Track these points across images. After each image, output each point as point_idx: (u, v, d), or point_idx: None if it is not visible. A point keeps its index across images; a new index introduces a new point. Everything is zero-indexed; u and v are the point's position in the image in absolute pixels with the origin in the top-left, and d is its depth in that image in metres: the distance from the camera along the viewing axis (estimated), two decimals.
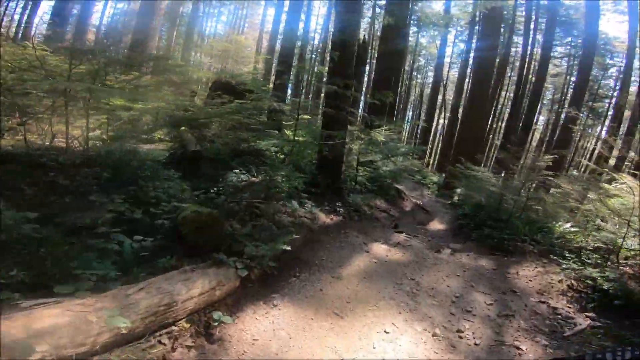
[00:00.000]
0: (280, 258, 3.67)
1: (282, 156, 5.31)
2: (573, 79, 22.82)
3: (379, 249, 5.05)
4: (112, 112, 5.17)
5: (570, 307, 3.87)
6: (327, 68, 7.08)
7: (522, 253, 5.36)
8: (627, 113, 19.18)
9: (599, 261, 4.70)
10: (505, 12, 16.13)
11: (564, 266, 4.66)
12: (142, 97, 5.84)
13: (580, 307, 3.86)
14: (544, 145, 23.37)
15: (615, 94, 23.43)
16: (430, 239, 6.75)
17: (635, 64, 17.83)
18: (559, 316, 3.67)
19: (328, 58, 7.71)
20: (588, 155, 24.20)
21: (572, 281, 4.26)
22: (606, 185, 6.58)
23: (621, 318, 3.57)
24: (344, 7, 6.44)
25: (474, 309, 3.66)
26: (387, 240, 5.56)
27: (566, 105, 18.38)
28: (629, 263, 4.63)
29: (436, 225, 8.48)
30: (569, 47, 23.37)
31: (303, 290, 3.55)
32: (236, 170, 5.17)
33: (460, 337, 3.15)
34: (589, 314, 3.70)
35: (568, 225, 7.97)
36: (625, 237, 5.20)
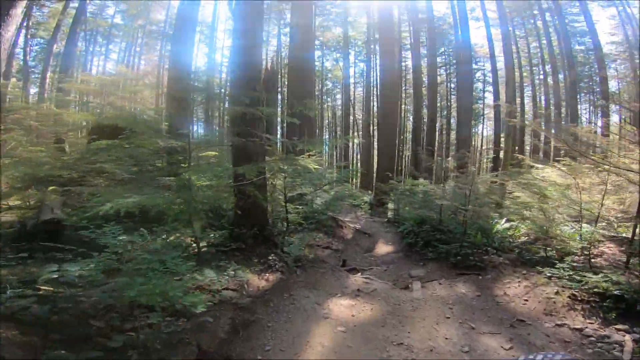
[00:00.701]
0: None
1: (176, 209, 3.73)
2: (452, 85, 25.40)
3: (340, 307, 3.79)
4: None
5: (592, 323, 3.25)
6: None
7: (493, 267, 4.66)
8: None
9: (574, 263, 4.17)
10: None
11: (548, 274, 4.02)
12: None
13: (602, 320, 3.26)
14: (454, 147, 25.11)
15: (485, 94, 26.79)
16: (387, 268, 5.76)
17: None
18: (592, 338, 2.99)
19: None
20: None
21: (572, 291, 3.60)
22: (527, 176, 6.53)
23: None
24: (241, 24, 5.32)
25: None
26: (344, 290, 4.33)
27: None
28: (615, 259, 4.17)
29: (383, 248, 7.61)
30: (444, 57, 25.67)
31: None
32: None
33: None
34: (618, 326, 3.13)
35: (504, 222, 7.87)
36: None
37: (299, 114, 5.21)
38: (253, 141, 4.65)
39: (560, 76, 19.63)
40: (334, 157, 30.07)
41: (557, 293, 3.67)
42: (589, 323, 3.25)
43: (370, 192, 17.74)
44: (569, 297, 3.58)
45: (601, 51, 16.88)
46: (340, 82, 30.11)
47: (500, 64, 16.62)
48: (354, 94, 32.54)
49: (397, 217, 10.82)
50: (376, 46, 22.06)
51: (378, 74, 19.92)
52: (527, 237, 6.56)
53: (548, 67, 20.48)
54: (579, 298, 3.53)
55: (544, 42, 19.33)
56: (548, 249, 5.27)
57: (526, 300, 3.73)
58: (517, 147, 17.77)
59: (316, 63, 24.62)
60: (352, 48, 27.16)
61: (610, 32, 20.10)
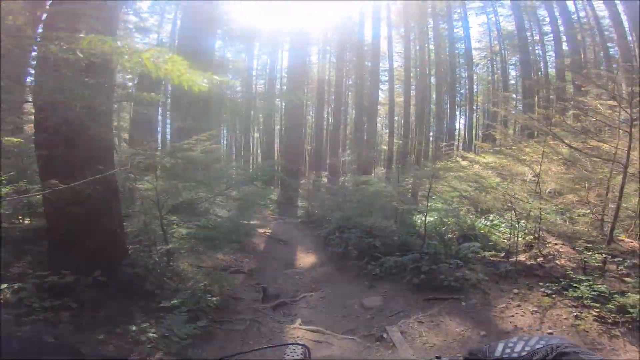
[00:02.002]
0: None
1: None
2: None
3: None
4: None
5: None
6: None
7: (473, 286, 3.55)
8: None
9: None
10: None
11: (545, 291, 3.10)
12: None
13: None
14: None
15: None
16: (323, 293, 4.22)
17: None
18: None
19: None
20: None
21: (591, 311, 2.69)
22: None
23: None
24: None
25: None
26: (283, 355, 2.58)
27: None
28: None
29: (305, 259, 6.08)
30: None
31: None
32: None
33: None
34: None
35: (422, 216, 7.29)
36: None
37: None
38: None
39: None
40: (233, 151, 27.37)
41: (577, 317, 2.77)
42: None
43: (273, 187, 16.10)
44: (595, 320, 2.69)
45: (471, 53, 18.96)
46: (243, 74, 27.40)
47: (397, 63, 17.05)
48: (256, 87, 30.24)
49: (311, 217, 9.51)
50: (283, 39, 20.48)
51: (285, 67, 18.50)
52: (453, 234, 5.97)
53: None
54: (609, 320, 2.67)
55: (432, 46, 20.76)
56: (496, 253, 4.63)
57: (550, 332, 2.69)
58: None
59: (217, 53, 21.90)
60: (257, 40, 24.85)
61: (478, 38, 22.82)
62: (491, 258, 4.48)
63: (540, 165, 4.81)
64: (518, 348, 0.51)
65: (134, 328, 2.35)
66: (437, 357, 0.62)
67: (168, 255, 3.38)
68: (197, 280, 3.44)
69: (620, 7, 10.23)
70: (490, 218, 6.69)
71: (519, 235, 4.86)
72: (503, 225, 6.39)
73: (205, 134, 3.48)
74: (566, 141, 4.39)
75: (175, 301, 2.77)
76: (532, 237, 4.71)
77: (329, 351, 2.70)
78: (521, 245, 4.64)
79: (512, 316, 3.02)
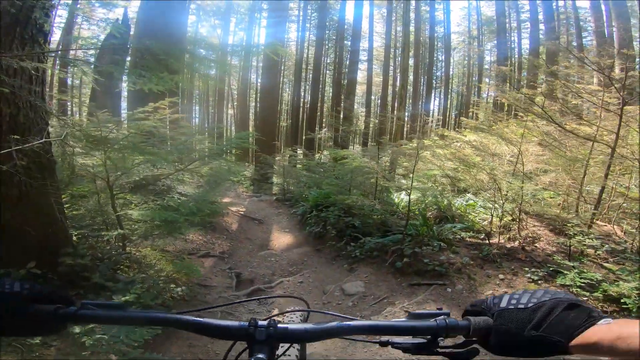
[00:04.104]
0: None
1: None
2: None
3: None
4: None
5: None
6: None
7: (457, 271, 3.28)
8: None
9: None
10: None
11: (530, 277, 2.87)
12: None
13: None
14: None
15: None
16: (302, 277, 3.84)
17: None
18: None
19: None
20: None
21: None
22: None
23: None
24: None
25: None
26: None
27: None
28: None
29: (281, 239, 5.67)
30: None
31: None
32: None
33: None
34: None
35: (403, 195, 7.05)
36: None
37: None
38: None
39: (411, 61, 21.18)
40: (206, 127, 25.99)
41: None
42: None
43: (248, 164, 15.37)
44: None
45: (449, 39, 18.62)
46: (217, 51, 25.49)
47: (377, 43, 16.44)
48: (231, 64, 28.42)
49: (287, 194, 9.05)
50: (261, 14, 19.14)
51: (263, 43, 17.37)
52: (431, 214, 5.77)
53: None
54: (604, 309, 2.47)
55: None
56: (474, 234, 4.42)
57: None
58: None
59: (189, 29, 20.29)
60: (234, 15, 23.04)
61: (458, 22, 22.61)
62: (470, 240, 4.29)
63: (520, 145, 4.61)
64: (524, 300, 0.48)
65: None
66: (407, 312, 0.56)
67: (123, 241, 2.83)
68: (158, 269, 2.94)
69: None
70: (466, 198, 6.56)
71: (498, 216, 4.70)
72: (478, 205, 6.28)
73: (165, 101, 2.85)
74: (554, 121, 4.15)
75: (129, 296, 2.28)
76: (510, 218, 4.56)
77: (310, 349, 2.34)
78: (498, 227, 4.48)
79: None
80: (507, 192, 4.11)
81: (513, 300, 0.48)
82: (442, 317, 0.50)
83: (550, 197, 5.26)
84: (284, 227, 6.41)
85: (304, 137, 16.94)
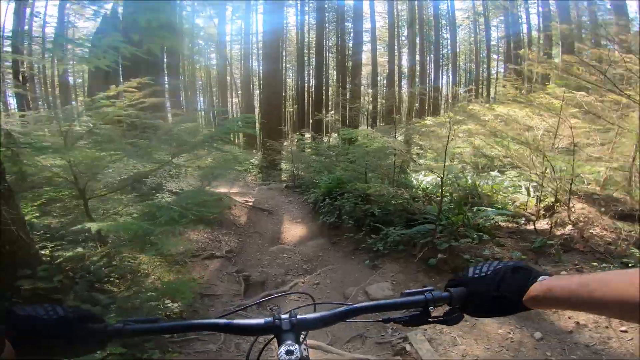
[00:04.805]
0: None
1: None
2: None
3: None
4: None
5: None
6: None
7: None
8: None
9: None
10: None
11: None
12: None
13: None
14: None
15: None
16: (318, 278, 3.31)
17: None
18: None
19: None
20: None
21: None
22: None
23: None
24: None
25: None
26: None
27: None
28: None
29: (292, 230, 5.15)
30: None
31: None
32: None
33: None
34: None
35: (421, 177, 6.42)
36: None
37: None
38: None
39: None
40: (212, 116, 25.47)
41: None
42: None
43: (256, 151, 14.79)
44: None
45: (454, 15, 17.48)
46: (215, 40, 24.49)
47: (379, 24, 15.47)
48: (231, 53, 27.48)
49: (297, 181, 8.48)
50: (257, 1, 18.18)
51: (261, 29, 16.66)
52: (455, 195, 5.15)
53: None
54: None
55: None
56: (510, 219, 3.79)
57: (624, 331, 1.89)
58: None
59: (184, 21, 19.52)
60: (230, 3, 21.98)
61: None
62: (508, 225, 3.68)
63: (559, 117, 3.92)
64: (485, 269, 0.56)
65: None
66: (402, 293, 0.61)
67: (107, 253, 2.31)
68: (155, 278, 2.43)
69: None
70: (492, 176, 5.91)
71: (536, 197, 4.07)
72: (504, 184, 5.63)
73: (135, 81, 2.20)
74: (617, 86, 3.43)
75: (109, 320, 1.78)
76: (551, 199, 3.92)
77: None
78: (537, 210, 3.86)
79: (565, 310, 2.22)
80: (554, 168, 3.47)
81: (477, 270, 0.57)
82: (428, 291, 0.57)
83: (591, 174, 4.59)
84: (295, 216, 5.89)
85: (310, 121, 16.23)
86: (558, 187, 3.64)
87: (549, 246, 2.81)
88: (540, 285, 0.49)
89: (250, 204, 6.54)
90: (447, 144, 2.94)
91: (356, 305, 0.59)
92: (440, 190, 3.10)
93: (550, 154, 3.62)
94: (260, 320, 0.56)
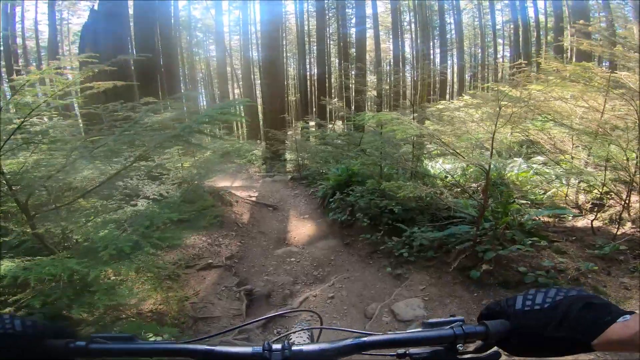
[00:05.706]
0: None
1: None
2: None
3: None
4: None
5: None
6: None
7: (574, 282, 2.11)
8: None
9: None
10: None
11: None
12: None
13: None
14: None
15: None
16: (332, 289, 2.75)
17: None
18: None
19: None
20: None
21: None
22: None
23: None
24: None
25: None
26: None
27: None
28: None
29: (300, 229, 4.59)
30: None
31: None
32: None
33: None
34: None
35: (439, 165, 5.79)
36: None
37: None
38: None
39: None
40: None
41: None
42: None
43: (259, 141, 14.14)
44: None
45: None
46: (213, 32, 23.52)
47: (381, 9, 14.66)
48: (230, 44, 26.49)
49: (302, 171, 7.88)
50: None
51: (259, 18, 15.97)
52: (479, 186, 4.53)
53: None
54: None
55: None
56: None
57: None
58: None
59: (181, 12, 19.16)
60: None
61: None
62: (552, 223, 3.08)
63: (606, 98, 3.26)
64: (539, 299, 0.45)
65: None
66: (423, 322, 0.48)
67: (78, 275, 1.75)
68: (139, 298, 1.87)
69: None
70: (516, 164, 5.27)
71: (580, 188, 3.45)
72: (530, 172, 5.01)
73: (81, 56, 1.57)
74: None
75: None
76: (599, 191, 3.30)
77: None
78: (580, 203, 3.25)
79: None
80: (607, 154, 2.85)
81: (528, 300, 0.45)
82: (458, 323, 0.47)
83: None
84: (303, 212, 5.32)
85: (314, 109, 15.48)
86: (612, 177, 3.03)
87: (618, 251, 2.22)
88: (624, 328, 0.37)
89: (254, 199, 5.97)
90: (494, 130, 2.32)
91: (365, 338, 0.46)
92: (486, 186, 2.49)
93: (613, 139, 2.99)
94: (248, 349, 0.45)
